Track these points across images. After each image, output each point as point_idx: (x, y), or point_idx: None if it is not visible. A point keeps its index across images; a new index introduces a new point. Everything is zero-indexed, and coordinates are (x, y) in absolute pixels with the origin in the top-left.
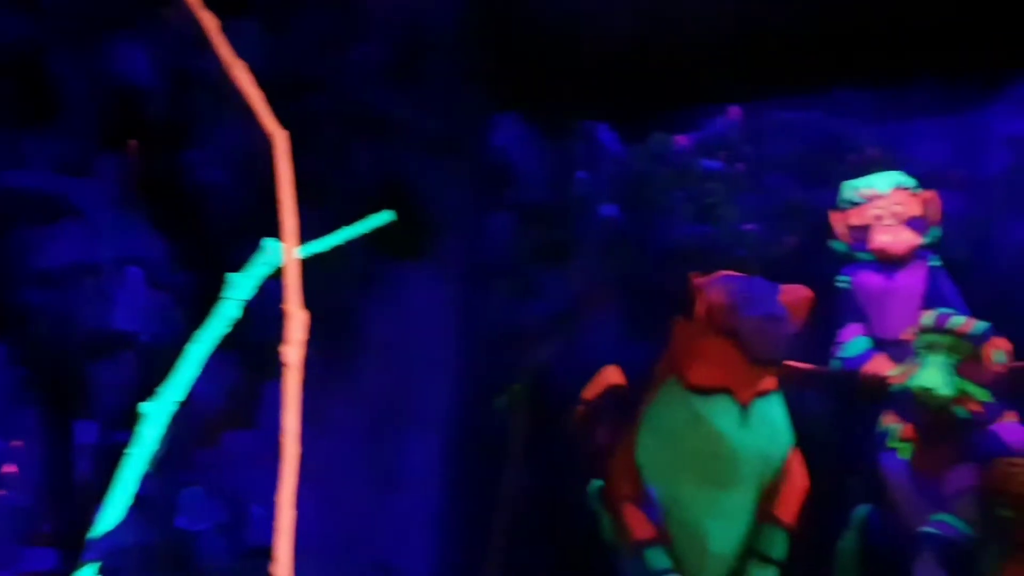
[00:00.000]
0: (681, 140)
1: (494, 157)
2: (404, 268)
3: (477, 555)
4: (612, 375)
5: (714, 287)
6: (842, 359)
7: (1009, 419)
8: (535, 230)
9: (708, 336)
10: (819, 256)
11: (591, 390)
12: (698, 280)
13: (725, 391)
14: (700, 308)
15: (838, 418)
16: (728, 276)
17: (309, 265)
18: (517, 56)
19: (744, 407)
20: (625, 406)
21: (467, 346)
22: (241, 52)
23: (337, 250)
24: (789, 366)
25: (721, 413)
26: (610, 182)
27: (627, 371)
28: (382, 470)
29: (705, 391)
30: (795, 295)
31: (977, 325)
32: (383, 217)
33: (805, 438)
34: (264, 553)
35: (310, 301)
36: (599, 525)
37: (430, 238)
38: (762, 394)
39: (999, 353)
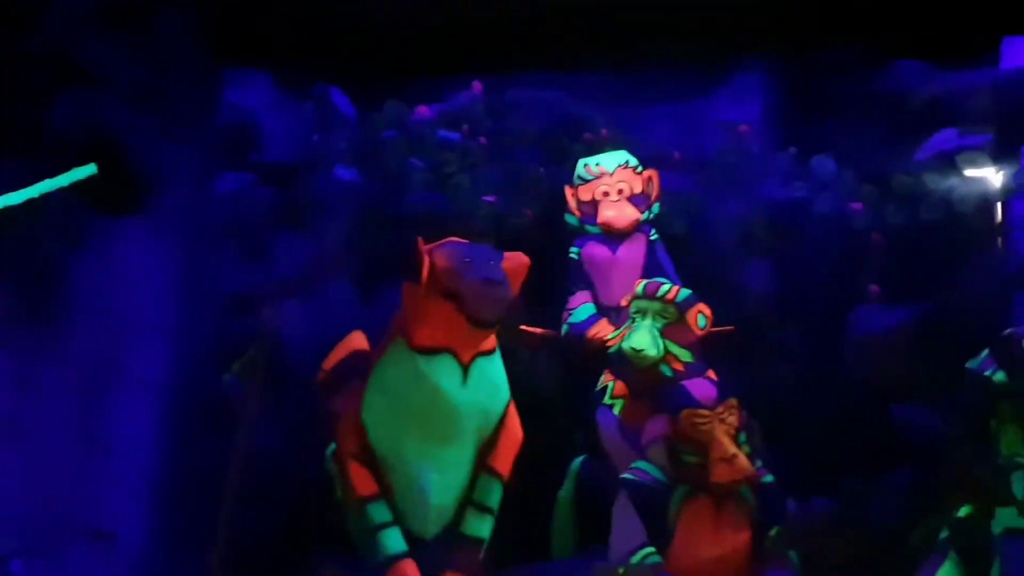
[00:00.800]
0: (423, 110)
1: (228, 114)
2: (116, 225)
3: (200, 520)
4: (356, 340)
5: (439, 252)
6: (570, 324)
7: (709, 376)
8: (272, 191)
9: (432, 299)
10: (557, 228)
11: (335, 355)
12: (424, 246)
13: (447, 351)
14: (425, 272)
15: (567, 378)
16: (453, 242)
17: (2, 218)
18: (253, 11)
19: (465, 366)
20: (366, 370)
21: (193, 307)
22: None
23: (35, 203)
24: (525, 331)
25: (443, 372)
26: (348, 147)
27: (365, 333)
28: (93, 434)
29: (428, 351)
30: (515, 262)
31: (682, 293)
32: (85, 170)
33: (536, 396)
34: None
35: (5, 255)
36: (334, 487)
37: (144, 194)
38: (483, 354)
39: (701, 318)
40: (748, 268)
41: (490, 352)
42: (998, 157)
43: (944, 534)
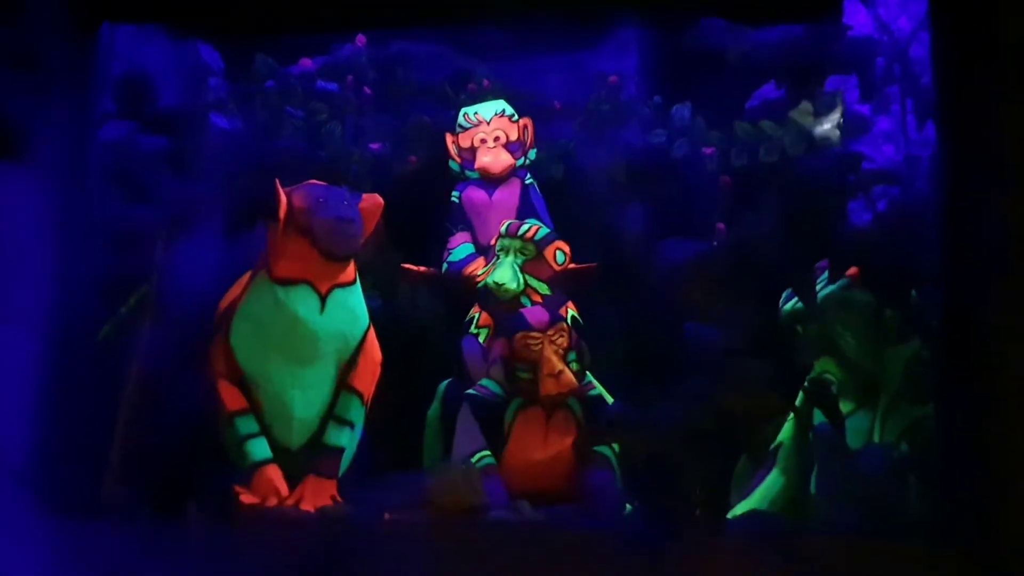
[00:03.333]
0: (306, 62)
1: (118, 66)
2: None
3: (84, 435)
4: None
5: (296, 193)
6: (449, 262)
7: (569, 308)
8: (156, 138)
9: (289, 235)
10: (441, 174)
11: (231, 293)
12: (282, 188)
13: (305, 282)
14: (282, 211)
15: (446, 311)
16: (311, 184)
17: None
18: None
19: (322, 296)
20: None
21: (75, 247)
22: None
23: None
24: (407, 268)
25: (300, 301)
26: (227, 97)
27: (238, 271)
28: None
29: (287, 282)
30: (370, 202)
31: (540, 231)
32: None
33: (416, 327)
34: None
35: None
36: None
37: (17, 143)
38: (341, 285)
39: (559, 254)
40: (616, 209)
41: (349, 284)
42: (812, 104)
43: (772, 446)
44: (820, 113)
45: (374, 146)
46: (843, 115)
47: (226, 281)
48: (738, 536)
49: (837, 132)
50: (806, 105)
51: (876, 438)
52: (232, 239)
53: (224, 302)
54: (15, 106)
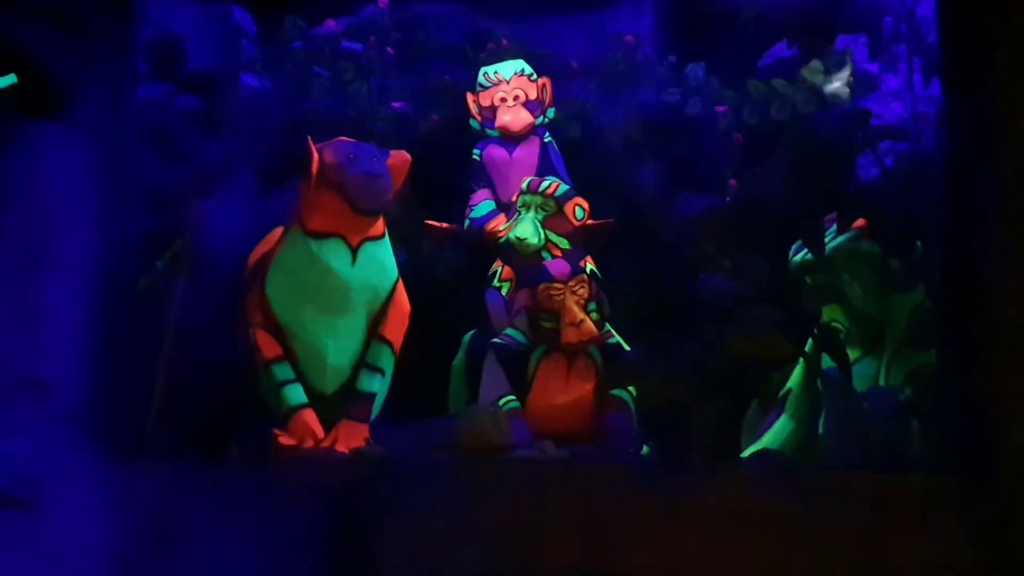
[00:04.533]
0: (331, 24)
1: (152, 31)
2: (38, 128)
3: (131, 379)
4: (278, 235)
5: (327, 150)
6: (471, 219)
7: (588, 262)
8: (190, 99)
9: (321, 190)
10: (462, 132)
11: (260, 248)
12: (314, 144)
13: (337, 236)
14: (314, 167)
15: (468, 265)
16: (342, 141)
17: None
18: None
19: (354, 249)
20: None
21: (116, 202)
22: None
23: None
24: (431, 224)
25: (332, 253)
26: (257, 58)
27: (268, 226)
28: (23, 303)
29: (319, 235)
30: (398, 159)
31: (560, 188)
32: (5, 80)
33: (440, 281)
34: None
35: None
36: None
37: (63, 103)
38: (371, 239)
39: (579, 210)
40: (632, 166)
41: (378, 237)
42: (823, 63)
43: (782, 392)
44: (830, 71)
45: (397, 105)
46: (852, 73)
47: (257, 236)
48: (748, 472)
49: (847, 90)
50: (817, 64)
51: (882, 383)
52: (263, 195)
53: (254, 256)
54: (59, 67)
